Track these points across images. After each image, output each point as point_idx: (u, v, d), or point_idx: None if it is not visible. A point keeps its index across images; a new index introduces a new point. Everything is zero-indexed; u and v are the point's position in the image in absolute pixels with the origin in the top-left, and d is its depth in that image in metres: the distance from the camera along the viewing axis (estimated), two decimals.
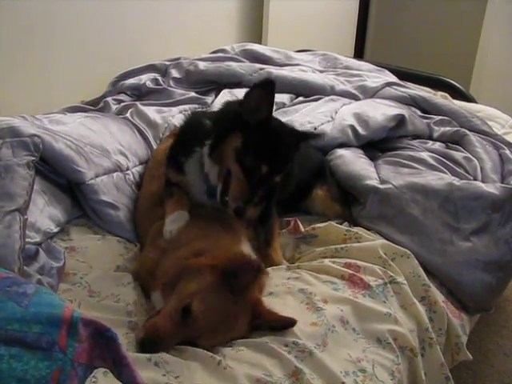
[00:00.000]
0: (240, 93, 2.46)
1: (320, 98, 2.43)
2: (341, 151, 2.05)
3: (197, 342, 1.28)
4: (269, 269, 1.61)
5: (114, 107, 2.28)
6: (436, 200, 1.81)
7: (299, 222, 1.80)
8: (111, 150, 1.91)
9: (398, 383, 1.35)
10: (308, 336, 1.33)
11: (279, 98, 2.46)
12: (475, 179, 1.97)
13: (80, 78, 2.71)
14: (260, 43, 3.40)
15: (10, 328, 0.91)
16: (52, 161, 1.69)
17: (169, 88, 2.46)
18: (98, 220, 1.73)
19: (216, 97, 2.47)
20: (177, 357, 1.23)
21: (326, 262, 1.61)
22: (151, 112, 2.25)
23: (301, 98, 2.48)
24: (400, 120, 2.18)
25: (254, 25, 3.62)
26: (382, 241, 1.69)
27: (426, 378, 1.46)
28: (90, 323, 0.98)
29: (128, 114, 2.20)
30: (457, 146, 2.20)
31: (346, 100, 2.41)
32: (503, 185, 1.90)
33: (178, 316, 1.26)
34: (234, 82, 2.53)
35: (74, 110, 2.20)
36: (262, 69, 2.60)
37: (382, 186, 1.85)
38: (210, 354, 1.24)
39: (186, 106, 2.37)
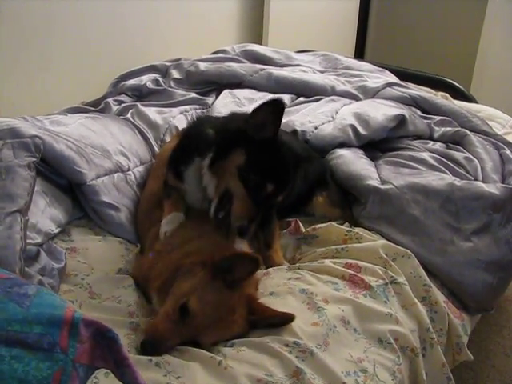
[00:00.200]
0: (240, 93, 2.48)
1: (321, 99, 2.43)
2: (341, 151, 2.05)
3: (197, 340, 1.28)
4: (270, 269, 1.61)
5: (115, 108, 2.28)
6: (437, 200, 1.81)
7: (300, 223, 1.80)
8: (112, 150, 1.91)
9: (398, 383, 1.35)
10: (309, 336, 1.33)
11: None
12: (476, 179, 1.97)
13: (80, 78, 2.71)
14: (260, 44, 3.41)
15: (11, 329, 0.91)
16: (53, 162, 1.70)
17: (169, 89, 2.47)
18: (99, 221, 1.73)
19: (217, 97, 2.47)
20: (178, 357, 1.23)
21: (327, 262, 1.61)
22: (152, 113, 2.25)
23: (301, 99, 2.48)
24: (401, 120, 2.18)
25: (255, 25, 3.62)
26: (383, 241, 1.69)
27: (427, 378, 1.46)
28: (91, 324, 0.98)
29: (129, 115, 2.21)
30: (457, 147, 2.20)
31: (347, 100, 2.41)
32: (504, 185, 1.90)
33: (176, 315, 1.27)
34: (234, 83, 2.53)
35: (75, 110, 2.20)
36: (262, 69, 2.60)
37: (382, 187, 1.85)
38: (211, 354, 1.25)
39: (187, 107, 2.37)
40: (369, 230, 1.77)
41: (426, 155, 2.07)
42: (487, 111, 2.65)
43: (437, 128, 2.30)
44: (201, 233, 1.52)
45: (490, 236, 1.77)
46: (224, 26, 3.49)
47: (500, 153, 2.15)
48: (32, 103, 2.51)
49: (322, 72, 2.73)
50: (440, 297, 1.62)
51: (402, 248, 1.67)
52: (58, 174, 1.73)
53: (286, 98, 2.48)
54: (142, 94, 2.44)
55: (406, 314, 1.51)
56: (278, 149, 1.49)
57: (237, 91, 2.48)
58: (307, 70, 2.70)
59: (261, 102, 1.47)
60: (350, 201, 1.93)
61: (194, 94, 2.46)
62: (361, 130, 2.12)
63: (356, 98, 2.45)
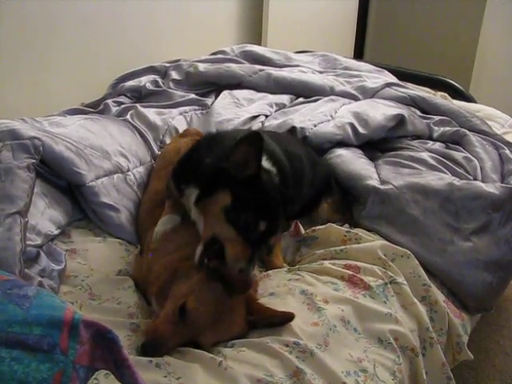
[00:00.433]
0: (240, 94, 2.48)
1: (320, 99, 2.43)
2: (340, 151, 2.05)
3: (197, 341, 1.29)
4: (270, 271, 1.61)
5: (114, 109, 2.28)
6: (436, 200, 1.81)
7: (300, 225, 1.80)
8: (111, 151, 1.91)
9: (399, 383, 1.35)
10: (309, 336, 1.33)
11: (279, 98, 2.47)
12: (475, 179, 1.97)
13: (80, 80, 2.71)
14: (260, 44, 3.41)
15: (11, 330, 0.91)
16: (52, 163, 1.70)
17: (169, 90, 2.47)
18: (99, 222, 1.73)
19: (216, 98, 2.47)
20: (178, 358, 1.23)
21: (326, 263, 1.61)
22: (151, 114, 2.25)
23: (301, 99, 2.48)
24: (400, 120, 2.19)
25: (254, 26, 3.62)
26: (382, 242, 1.69)
27: (427, 377, 1.46)
28: (91, 325, 0.98)
29: (128, 116, 2.21)
30: (457, 146, 2.20)
31: (346, 100, 2.41)
32: (503, 184, 1.90)
33: (175, 317, 1.27)
34: (233, 84, 2.54)
35: (74, 112, 2.20)
36: (261, 70, 2.60)
37: (382, 187, 1.85)
38: (211, 355, 1.25)
39: (187, 108, 2.37)
40: (368, 231, 1.77)
41: (425, 155, 2.07)
42: (486, 111, 2.65)
43: (436, 128, 2.30)
44: (198, 237, 1.52)
45: (489, 236, 1.77)
46: (223, 27, 3.49)
47: (499, 152, 2.15)
48: (31, 104, 2.51)
49: (321, 72, 2.73)
50: (440, 296, 1.62)
51: (401, 248, 1.67)
52: (57, 175, 1.73)
53: (286, 98, 2.48)
54: (141, 95, 2.44)
55: (406, 314, 1.51)
56: (265, 185, 1.39)
57: (236, 92, 2.48)
58: (306, 71, 2.70)
59: (239, 137, 1.36)
60: (350, 201, 1.93)
61: (193, 95, 2.46)
62: (360, 129, 2.13)
63: (355, 98, 2.45)
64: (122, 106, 2.30)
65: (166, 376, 1.17)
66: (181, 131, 2.19)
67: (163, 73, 2.61)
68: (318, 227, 1.77)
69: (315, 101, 2.43)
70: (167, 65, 2.64)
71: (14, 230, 1.38)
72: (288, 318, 1.34)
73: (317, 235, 1.76)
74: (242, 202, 1.36)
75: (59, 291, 1.43)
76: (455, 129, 2.27)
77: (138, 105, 2.31)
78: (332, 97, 2.44)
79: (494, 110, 2.68)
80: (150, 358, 1.20)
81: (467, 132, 2.23)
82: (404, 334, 1.43)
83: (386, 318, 1.45)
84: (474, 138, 2.20)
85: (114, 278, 1.52)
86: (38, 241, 1.51)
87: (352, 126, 2.13)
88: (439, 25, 4.17)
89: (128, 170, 1.91)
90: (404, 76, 2.80)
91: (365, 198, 1.84)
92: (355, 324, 1.42)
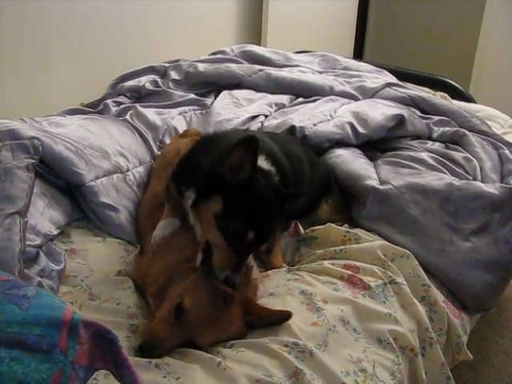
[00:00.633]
0: (239, 94, 2.48)
1: (319, 99, 2.43)
2: (340, 150, 2.05)
3: (194, 341, 1.28)
4: (269, 271, 1.61)
5: (114, 109, 2.28)
6: (436, 200, 1.81)
7: (299, 225, 1.80)
8: (111, 151, 1.91)
9: (398, 383, 1.35)
10: (308, 336, 1.33)
11: (279, 99, 2.47)
12: (475, 179, 1.98)
13: (79, 80, 2.71)
14: (259, 44, 3.41)
15: (11, 330, 0.91)
16: (51, 163, 1.70)
17: (168, 90, 2.47)
18: (98, 222, 1.73)
19: (215, 98, 2.47)
20: (177, 359, 1.24)
21: (326, 263, 1.61)
22: (151, 114, 2.25)
23: (300, 99, 2.48)
24: (399, 120, 2.19)
25: (254, 26, 3.62)
26: (381, 242, 1.69)
27: (426, 377, 1.46)
28: (90, 325, 0.98)
29: (127, 116, 2.20)
30: (456, 146, 2.20)
31: (346, 100, 2.41)
32: (503, 184, 1.90)
33: (172, 317, 1.27)
34: (233, 84, 2.54)
35: (74, 112, 2.20)
36: (261, 70, 2.60)
37: (381, 187, 1.85)
38: (210, 355, 1.25)
39: (186, 108, 2.37)
40: (368, 231, 1.77)
41: (424, 155, 2.07)
42: (486, 111, 2.65)
43: (436, 128, 2.30)
44: (196, 239, 1.52)
45: (489, 236, 1.77)
46: (223, 27, 3.49)
47: (499, 152, 2.15)
48: (31, 104, 2.51)
49: (320, 72, 2.73)
50: (439, 296, 1.62)
51: (400, 248, 1.67)
52: (56, 175, 1.73)
53: (285, 98, 2.49)
54: (140, 95, 2.44)
55: (405, 314, 1.51)
56: (259, 191, 1.37)
57: (236, 92, 2.49)
58: (306, 71, 2.70)
59: (234, 141, 1.34)
60: (349, 201, 1.93)
61: (192, 95, 2.46)
62: (359, 129, 2.13)
63: (355, 98, 2.45)
64: (122, 106, 2.30)
65: (165, 376, 1.17)
66: (180, 131, 2.19)
67: (163, 73, 2.61)
68: (318, 227, 1.77)
69: (315, 101, 2.43)
70: (167, 65, 2.64)
71: (13, 230, 1.38)
72: (285, 316, 1.34)
73: (316, 235, 1.76)
74: (232, 210, 1.35)
75: (59, 291, 1.43)
76: (455, 129, 2.27)
77: (137, 105, 2.31)
78: (332, 97, 2.44)
79: (493, 110, 2.68)
80: (149, 359, 1.20)
81: (467, 132, 2.23)
82: (403, 334, 1.43)
83: (386, 318, 1.45)
84: (473, 138, 2.20)
85: (114, 279, 1.52)
86: (38, 241, 1.51)
87: (351, 125, 2.13)
88: (439, 25, 4.17)
89: (127, 170, 1.91)
90: (404, 76, 2.80)
91: (364, 198, 1.84)
92: (355, 324, 1.42)
